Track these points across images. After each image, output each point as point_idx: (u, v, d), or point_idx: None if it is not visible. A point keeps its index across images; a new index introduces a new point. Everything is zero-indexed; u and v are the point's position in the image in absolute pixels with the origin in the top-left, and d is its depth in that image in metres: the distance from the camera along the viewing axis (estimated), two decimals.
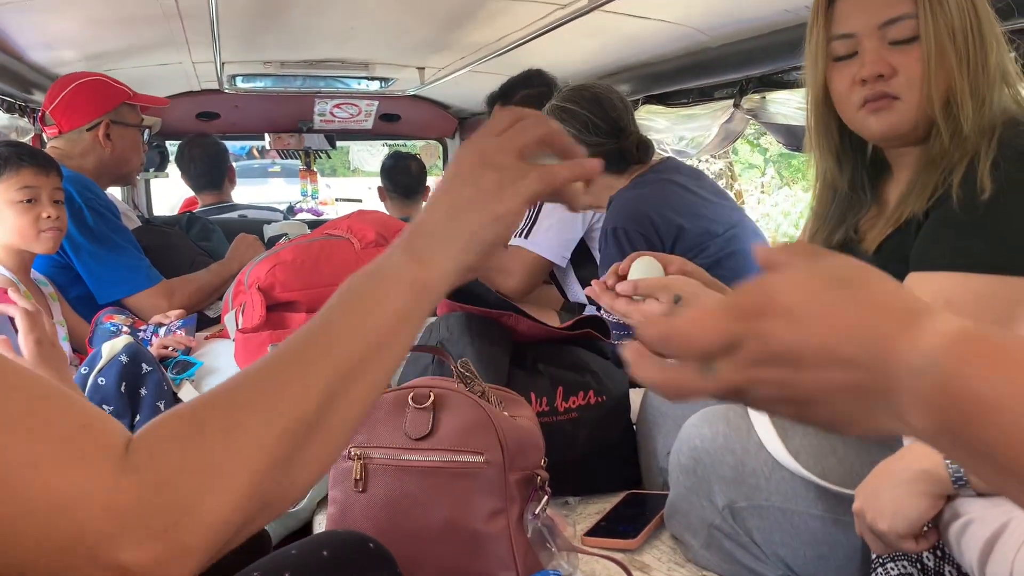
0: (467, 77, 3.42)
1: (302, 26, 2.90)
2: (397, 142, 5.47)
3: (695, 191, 2.11)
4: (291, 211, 4.84)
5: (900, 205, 1.19)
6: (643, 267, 1.23)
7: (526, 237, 2.38)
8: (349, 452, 1.21)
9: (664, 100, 2.97)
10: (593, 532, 1.43)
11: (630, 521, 1.47)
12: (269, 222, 3.51)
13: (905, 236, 1.17)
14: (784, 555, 1.20)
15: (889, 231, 1.20)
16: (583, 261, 2.43)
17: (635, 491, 1.60)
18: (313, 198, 4.77)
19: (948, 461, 0.83)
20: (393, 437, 1.20)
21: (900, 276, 1.13)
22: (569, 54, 3.00)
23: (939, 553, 0.95)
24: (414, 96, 4.17)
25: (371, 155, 7.60)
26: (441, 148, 4.93)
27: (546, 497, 1.22)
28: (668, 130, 2.95)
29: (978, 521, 0.85)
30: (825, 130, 1.29)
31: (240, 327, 1.85)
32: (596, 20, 2.30)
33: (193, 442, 0.53)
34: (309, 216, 4.65)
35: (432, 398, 1.21)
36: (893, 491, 0.91)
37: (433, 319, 1.78)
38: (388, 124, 4.64)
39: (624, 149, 2.10)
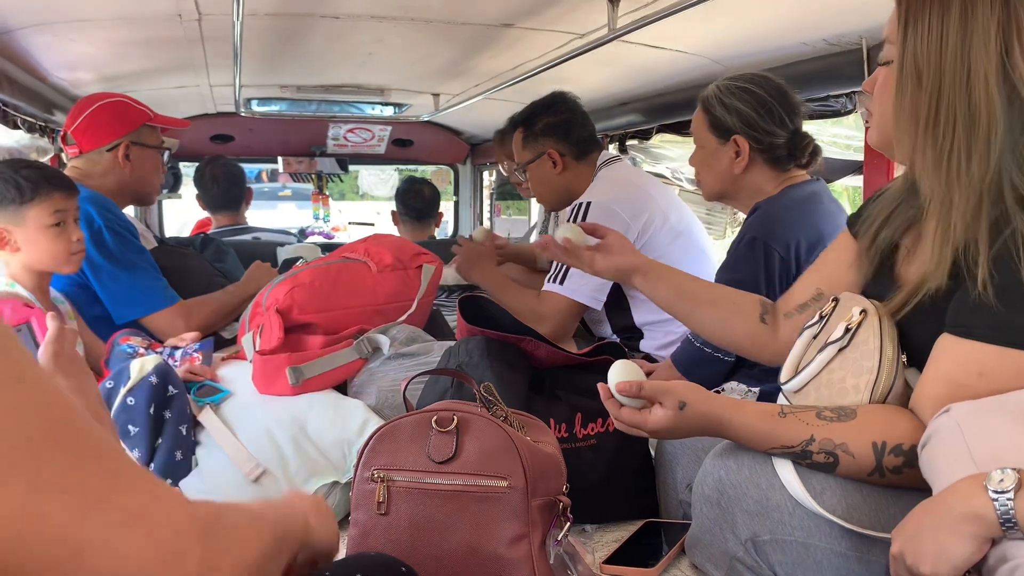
0: (481, 104, 3.46)
1: (320, 51, 2.93)
2: (409, 167, 5.51)
3: (837, 216, 2.08)
4: (303, 234, 4.87)
5: (924, 265, 1.17)
6: (623, 373, 1.27)
7: (561, 283, 2.39)
8: (372, 475, 1.21)
9: (678, 130, 2.99)
10: (611, 560, 1.42)
11: (648, 550, 1.46)
12: (282, 244, 3.54)
13: (932, 300, 1.15)
14: None
15: (917, 292, 1.18)
16: (616, 300, 2.43)
17: (653, 520, 1.60)
18: (325, 221, 4.80)
19: (995, 502, 0.81)
20: (416, 460, 1.20)
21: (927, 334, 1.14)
22: (582, 81, 3.03)
23: None
24: (428, 122, 4.20)
25: (381, 180, 7.66)
26: (453, 174, 4.97)
27: (568, 523, 1.22)
28: (682, 158, 2.97)
29: None
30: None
31: (258, 349, 1.85)
32: (612, 49, 2.32)
33: None
34: (321, 239, 4.68)
35: (456, 421, 1.21)
36: (936, 533, 0.88)
37: (452, 343, 1.79)
38: (401, 149, 4.68)
39: (795, 147, 2.03)
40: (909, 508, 0.99)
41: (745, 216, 2.10)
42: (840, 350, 1.26)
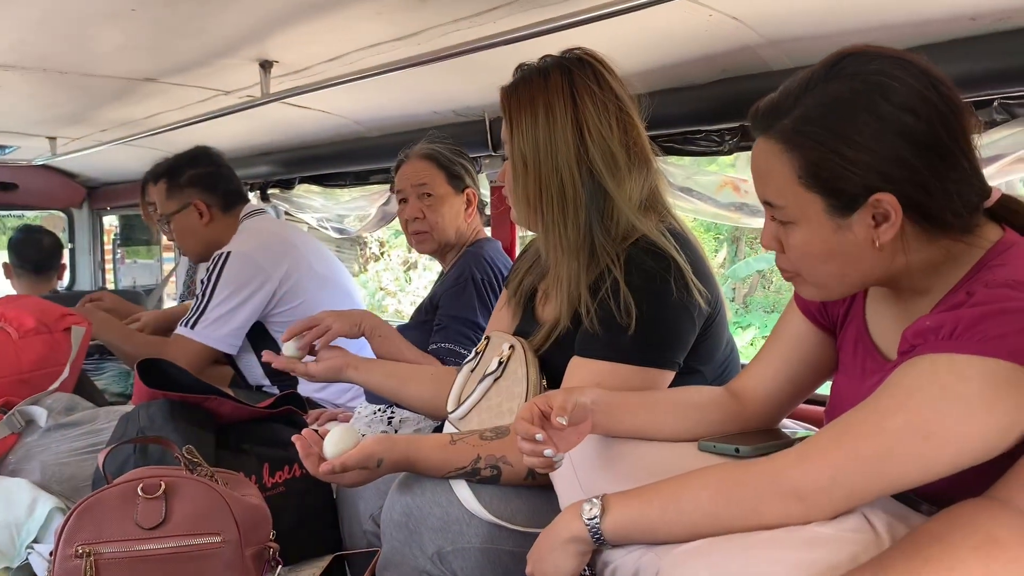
0: (108, 149, 3.30)
1: None
2: (12, 213, 4.96)
3: None
4: None
5: (556, 311, 1.51)
6: (340, 436, 1.40)
7: (192, 327, 2.39)
8: (76, 551, 1.20)
9: (321, 181, 3.15)
10: None
11: None
12: None
13: (564, 337, 1.49)
14: None
15: (553, 332, 1.51)
16: (265, 343, 2.48)
17: (340, 553, 1.73)
18: None
19: (588, 526, 1.07)
20: (125, 529, 1.22)
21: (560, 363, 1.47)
22: (223, 132, 3.05)
23: None
24: (42, 165, 3.87)
25: None
26: (67, 219, 4.59)
27: (280, 566, 1.32)
28: (325, 208, 3.13)
29: (620, 565, 1.10)
30: None
31: None
32: (259, 108, 2.41)
33: None
34: None
35: (163, 487, 1.25)
36: (552, 553, 1.13)
37: (121, 408, 1.76)
38: (1, 193, 4.22)
39: None
40: (554, 504, 1.27)
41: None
42: (495, 380, 1.53)
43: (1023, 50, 1.38)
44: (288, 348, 1.76)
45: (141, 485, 1.25)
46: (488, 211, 2.48)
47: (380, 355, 1.88)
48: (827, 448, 0.92)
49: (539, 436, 1.13)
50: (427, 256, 2.36)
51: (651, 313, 1.39)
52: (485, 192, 2.67)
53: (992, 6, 1.35)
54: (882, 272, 1.01)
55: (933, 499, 0.98)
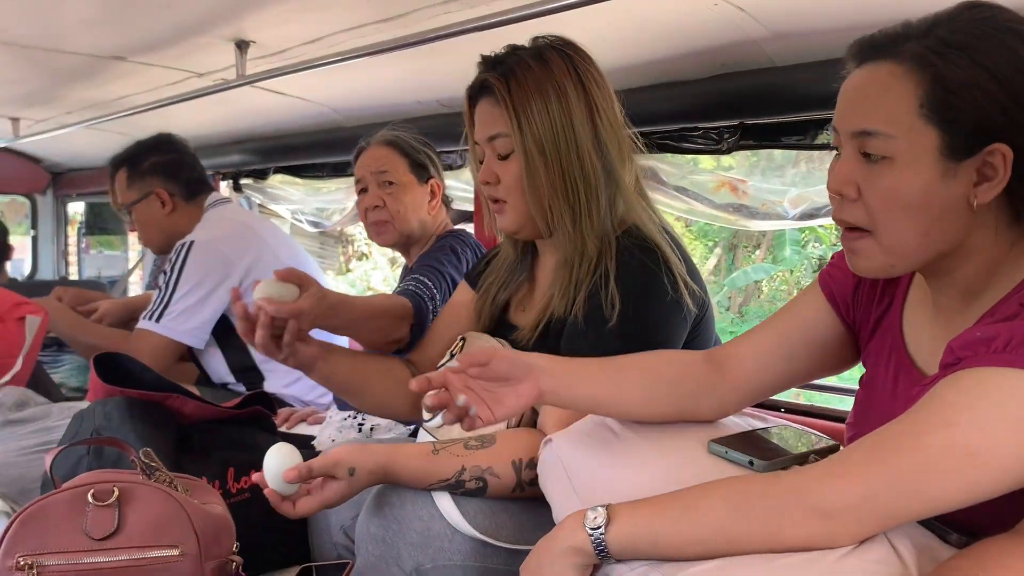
0: (75, 132, 3.17)
1: None
2: None
3: None
4: None
5: (547, 304, 1.42)
6: (284, 460, 1.25)
7: (157, 320, 2.27)
8: (17, 562, 1.09)
9: (297, 172, 3.04)
10: None
11: None
12: None
13: (554, 329, 1.39)
14: None
15: (541, 321, 1.41)
16: (230, 339, 2.37)
17: (310, 564, 1.63)
18: None
19: (591, 537, 0.97)
20: (72, 540, 1.11)
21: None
22: (193, 118, 2.95)
23: None
24: (4, 148, 3.72)
25: None
26: (30, 205, 4.43)
27: None
28: (302, 201, 3.02)
29: None
30: None
31: None
32: (233, 92, 2.31)
33: None
34: None
35: (117, 493, 1.14)
36: (551, 566, 1.02)
37: (76, 404, 1.65)
38: None
39: None
40: (543, 519, 1.17)
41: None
42: None
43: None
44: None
45: (92, 491, 1.14)
46: (454, 205, 2.36)
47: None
48: (859, 463, 0.84)
49: (461, 399, 1.03)
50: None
51: (639, 309, 1.32)
52: (457, 187, 2.58)
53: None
54: (956, 243, 0.92)
55: (961, 527, 0.90)
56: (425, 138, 2.18)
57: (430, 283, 1.87)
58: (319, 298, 1.42)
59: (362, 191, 2.14)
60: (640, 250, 1.35)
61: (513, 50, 1.41)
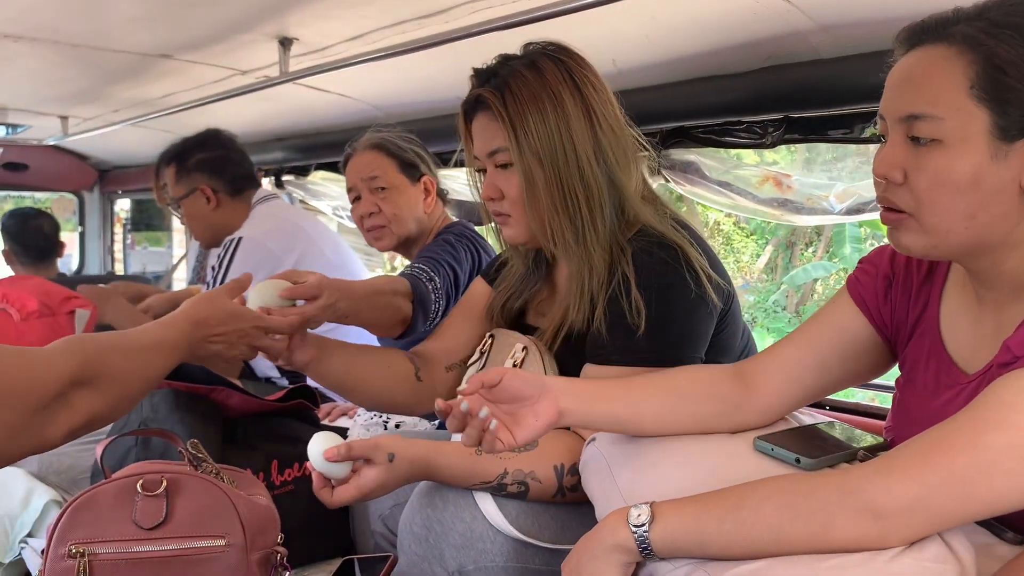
0: (121, 130, 3.22)
1: None
2: (23, 194, 4.91)
3: None
4: None
5: (564, 313, 1.39)
6: (325, 442, 1.25)
7: None
8: (69, 550, 1.11)
9: (339, 169, 3.05)
10: None
11: None
12: None
13: (576, 340, 1.36)
14: None
15: (561, 329, 1.38)
16: None
17: (351, 556, 1.64)
18: None
19: (635, 535, 0.96)
20: (122, 529, 1.13)
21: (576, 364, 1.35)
22: (239, 115, 2.98)
23: None
24: (53, 146, 3.80)
25: None
26: (77, 202, 4.52)
27: (288, 572, 1.23)
28: (342, 197, 3.04)
29: None
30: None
31: None
32: (275, 88, 2.33)
33: None
34: None
35: (165, 484, 1.16)
36: (593, 563, 1.01)
37: None
38: (11, 174, 4.16)
39: None
40: (586, 518, 1.16)
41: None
42: None
43: None
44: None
45: (141, 481, 1.16)
46: (450, 197, 2.33)
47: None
48: (913, 462, 0.82)
49: (483, 412, 1.01)
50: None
51: (664, 309, 1.29)
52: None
53: None
54: (1004, 231, 0.89)
55: (1012, 526, 0.88)
56: (411, 135, 2.15)
57: (427, 268, 1.86)
58: (326, 308, 1.42)
59: (356, 199, 2.13)
60: (658, 247, 1.31)
61: (505, 60, 1.37)
